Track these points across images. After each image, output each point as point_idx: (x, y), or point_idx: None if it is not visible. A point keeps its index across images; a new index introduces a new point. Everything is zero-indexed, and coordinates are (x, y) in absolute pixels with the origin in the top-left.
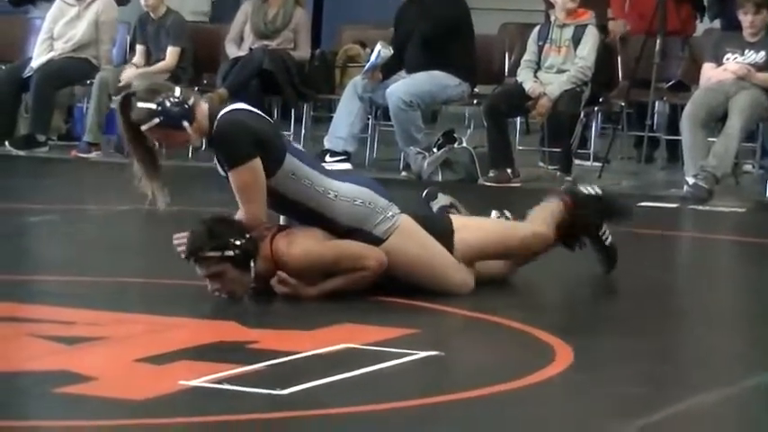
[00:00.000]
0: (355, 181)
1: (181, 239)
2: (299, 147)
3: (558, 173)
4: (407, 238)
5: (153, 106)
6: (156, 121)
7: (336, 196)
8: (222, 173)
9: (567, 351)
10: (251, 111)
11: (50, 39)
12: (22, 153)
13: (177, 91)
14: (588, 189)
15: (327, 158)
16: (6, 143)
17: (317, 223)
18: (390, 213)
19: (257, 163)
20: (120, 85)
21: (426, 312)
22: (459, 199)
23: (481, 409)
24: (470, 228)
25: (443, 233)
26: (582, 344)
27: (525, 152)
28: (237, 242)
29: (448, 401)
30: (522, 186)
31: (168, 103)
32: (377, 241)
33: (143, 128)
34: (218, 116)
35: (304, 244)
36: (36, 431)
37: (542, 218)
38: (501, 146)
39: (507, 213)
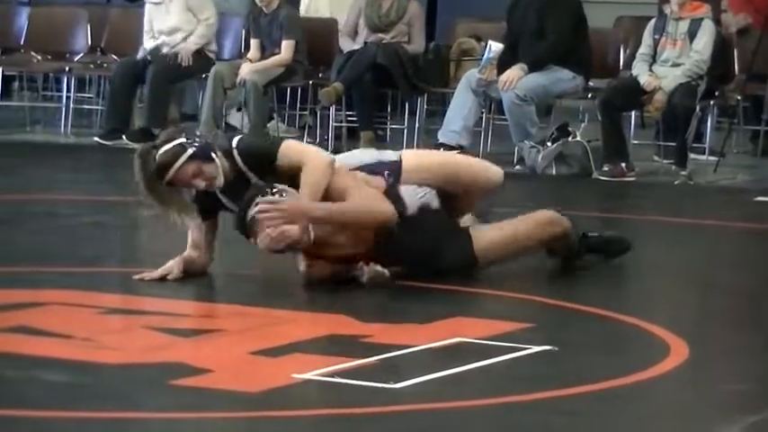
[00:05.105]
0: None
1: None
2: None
3: (674, 167)
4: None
5: (182, 139)
6: (190, 152)
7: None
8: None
9: (682, 346)
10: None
11: (152, 37)
12: (137, 146)
13: (195, 132)
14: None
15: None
16: (123, 136)
17: None
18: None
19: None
20: (238, 80)
21: (539, 306)
22: (573, 193)
23: (596, 404)
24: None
25: None
26: (696, 339)
27: (640, 146)
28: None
29: (562, 396)
30: (636, 180)
31: (193, 139)
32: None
33: (178, 163)
34: (233, 144)
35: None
36: (152, 423)
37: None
38: (615, 140)
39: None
